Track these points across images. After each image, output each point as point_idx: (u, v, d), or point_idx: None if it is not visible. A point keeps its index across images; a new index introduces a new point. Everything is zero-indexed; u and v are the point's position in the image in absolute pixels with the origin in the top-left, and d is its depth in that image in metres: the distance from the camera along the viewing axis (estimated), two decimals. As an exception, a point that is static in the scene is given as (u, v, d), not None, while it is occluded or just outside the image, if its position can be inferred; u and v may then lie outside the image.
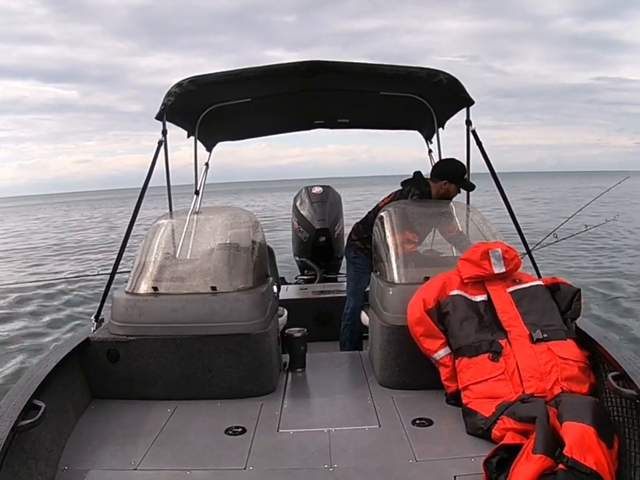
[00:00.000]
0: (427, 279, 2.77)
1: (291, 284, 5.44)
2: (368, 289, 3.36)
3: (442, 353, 2.56)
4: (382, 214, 3.23)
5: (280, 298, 3.41)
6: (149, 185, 3.11)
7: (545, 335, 2.41)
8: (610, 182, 6.61)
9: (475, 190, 3.51)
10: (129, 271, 3.00)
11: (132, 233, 3.06)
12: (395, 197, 3.61)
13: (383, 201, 3.70)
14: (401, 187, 3.67)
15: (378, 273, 3.10)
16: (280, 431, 2.37)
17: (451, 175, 3.45)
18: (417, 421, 2.38)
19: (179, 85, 3.02)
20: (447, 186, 3.44)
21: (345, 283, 4.07)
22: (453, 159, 3.62)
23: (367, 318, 3.37)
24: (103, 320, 2.93)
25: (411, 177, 3.68)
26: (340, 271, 5.64)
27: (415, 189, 3.51)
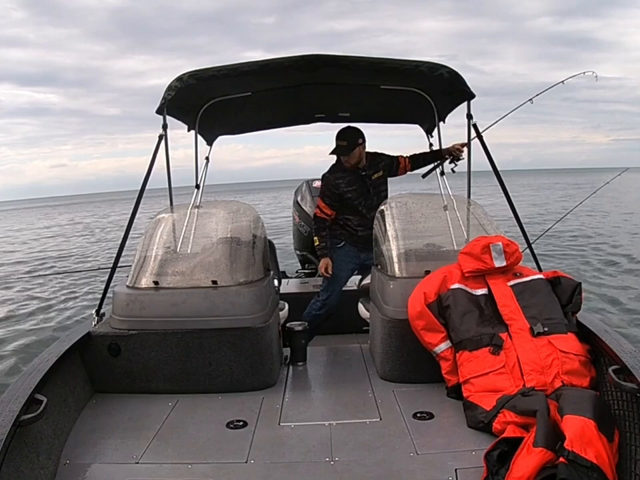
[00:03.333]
0: (427, 272, 2.77)
1: (291, 278, 5.44)
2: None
3: (443, 347, 2.56)
4: (382, 207, 3.23)
5: (281, 292, 3.41)
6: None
7: (546, 329, 2.41)
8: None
9: None
10: (130, 266, 3.00)
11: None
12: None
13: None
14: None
15: (378, 266, 3.10)
16: (281, 424, 2.38)
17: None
18: (418, 414, 2.39)
19: (179, 79, 3.01)
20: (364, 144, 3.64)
21: None
22: (343, 128, 3.69)
23: (364, 310, 3.38)
24: (104, 314, 2.93)
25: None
26: None
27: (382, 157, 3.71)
